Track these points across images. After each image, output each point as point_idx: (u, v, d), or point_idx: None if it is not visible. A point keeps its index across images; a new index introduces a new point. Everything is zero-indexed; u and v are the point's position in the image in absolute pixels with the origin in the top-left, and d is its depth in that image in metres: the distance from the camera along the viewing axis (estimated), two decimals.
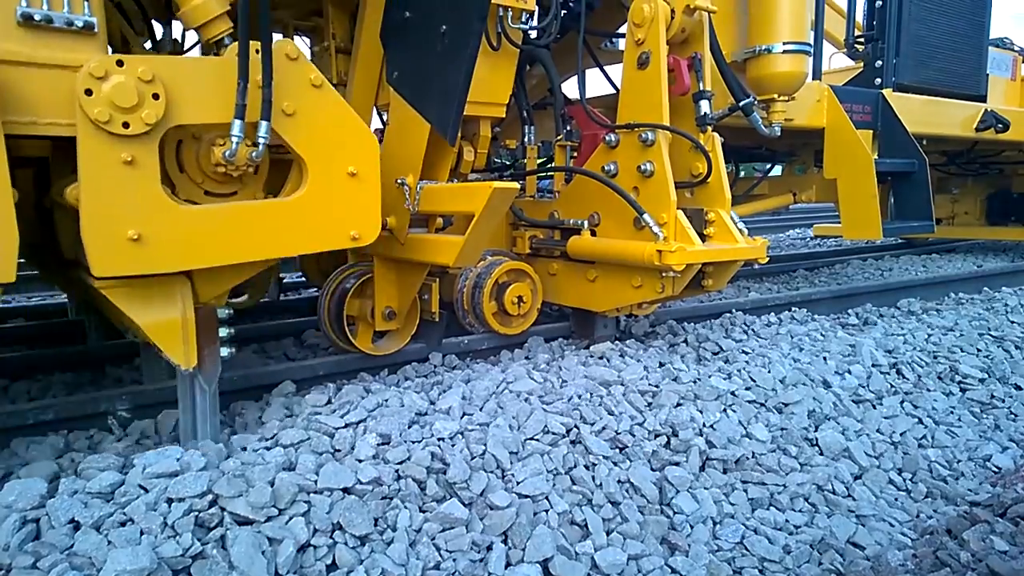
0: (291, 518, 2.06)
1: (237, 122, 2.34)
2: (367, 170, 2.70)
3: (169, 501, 2.02)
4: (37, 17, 2.09)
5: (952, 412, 3.63)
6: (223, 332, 2.68)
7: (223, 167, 2.47)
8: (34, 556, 1.82)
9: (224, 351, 2.67)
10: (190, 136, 2.48)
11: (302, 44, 3.89)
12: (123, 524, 1.96)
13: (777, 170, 7.00)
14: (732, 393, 3.25)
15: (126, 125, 2.16)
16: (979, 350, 4.38)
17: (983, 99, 6.33)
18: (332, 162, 2.62)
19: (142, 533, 1.92)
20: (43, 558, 1.81)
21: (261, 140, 2.40)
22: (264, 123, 2.39)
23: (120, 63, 2.15)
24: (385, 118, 3.54)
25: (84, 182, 2.17)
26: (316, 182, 2.59)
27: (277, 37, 2.68)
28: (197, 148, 2.50)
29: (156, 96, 2.20)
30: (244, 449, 2.50)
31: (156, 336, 2.46)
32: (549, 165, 4.20)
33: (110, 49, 2.40)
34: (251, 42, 2.33)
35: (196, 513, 2.00)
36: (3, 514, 1.98)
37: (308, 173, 2.58)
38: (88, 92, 2.11)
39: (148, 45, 3.31)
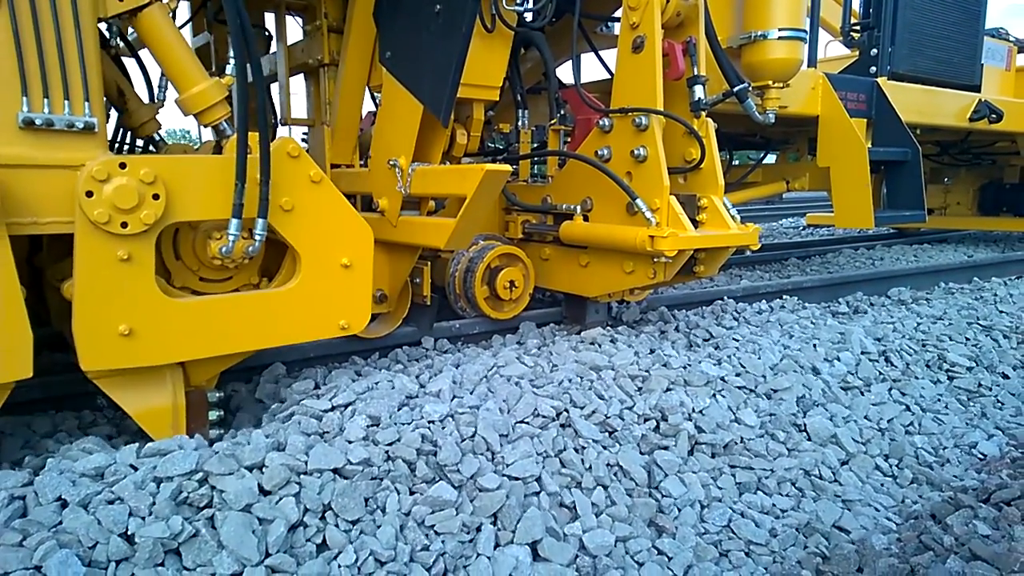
0: (282, 498, 2.05)
1: (234, 221, 2.32)
2: (360, 261, 2.70)
3: (157, 480, 2.01)
4: (38, 121, 2.08)
5: (939, 400, 3.66)
6: (212, 415, 2.66)
7: (219, 260, 2.47)
8: (21, 533, 1.81)
9: (213, 434, 2.65)
10: (187, 225, 2.45)
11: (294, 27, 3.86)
12: (111, 502, 1.95)
13: (771, 158, 7.00)
14: (722, 379, 3.26)
15: (124, 225, 2.15)
16: (967, 339, 4.40)
17: (977, 89, 6.34)
18: (327, 255, 2.61)
19: (130, 513, 1.91)
20: (30, 536, 1.80)
21: (258, 237, 2.39)
22: (261, 220, 2.38)
23: (123, 165, 2.13)
24: (378, 99, 3.51)
25: (79, 279, 2.16)
26: (310, 274, 2.59)
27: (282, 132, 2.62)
28: (194, 237, 2.49)
29: (156, 196, 2.19)
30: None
31: (145, 423, 2.44)
32: (543, 149, 4.19)
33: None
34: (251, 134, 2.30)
35: (186, 492, 1.99)
36: None
37: (302, 265, 2.58)
38: (89, 194, 2.09)
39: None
